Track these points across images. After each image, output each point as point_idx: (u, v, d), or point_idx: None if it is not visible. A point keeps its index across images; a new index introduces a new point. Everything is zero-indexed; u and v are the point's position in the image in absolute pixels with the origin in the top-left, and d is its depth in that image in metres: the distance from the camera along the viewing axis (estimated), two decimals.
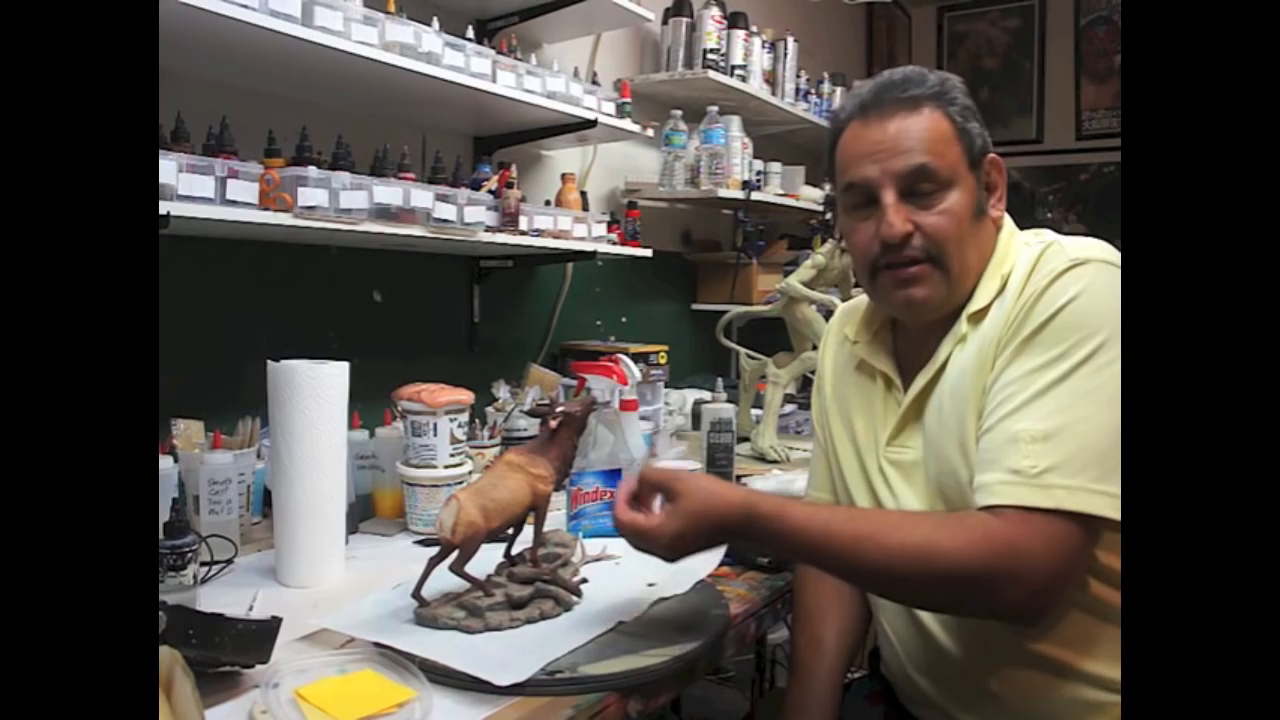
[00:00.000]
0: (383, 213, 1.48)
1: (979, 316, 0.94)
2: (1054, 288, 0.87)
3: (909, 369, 1.01)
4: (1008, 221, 1.01)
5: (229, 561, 1.19)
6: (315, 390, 1.14)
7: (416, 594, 1.00)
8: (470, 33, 1.72)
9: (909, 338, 1.03)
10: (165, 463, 1.23)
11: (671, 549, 0.89)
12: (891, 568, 0.83)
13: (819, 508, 0.94)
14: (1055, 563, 0.80)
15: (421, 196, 1.54)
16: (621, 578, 1.14)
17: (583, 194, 2.16)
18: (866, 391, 1.07)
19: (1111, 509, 0.80)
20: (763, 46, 2.79)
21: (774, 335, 2.14)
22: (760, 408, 2.07)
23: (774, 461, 1.92)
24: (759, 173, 2.73)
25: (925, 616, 0.97)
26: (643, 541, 0.90)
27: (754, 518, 0.86)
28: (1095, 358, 0.83)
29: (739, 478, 1.68)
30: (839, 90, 3.23)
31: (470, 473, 1.40)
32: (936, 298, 0.96)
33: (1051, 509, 0.80)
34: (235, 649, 0.84)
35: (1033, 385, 0.85)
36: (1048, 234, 0.96)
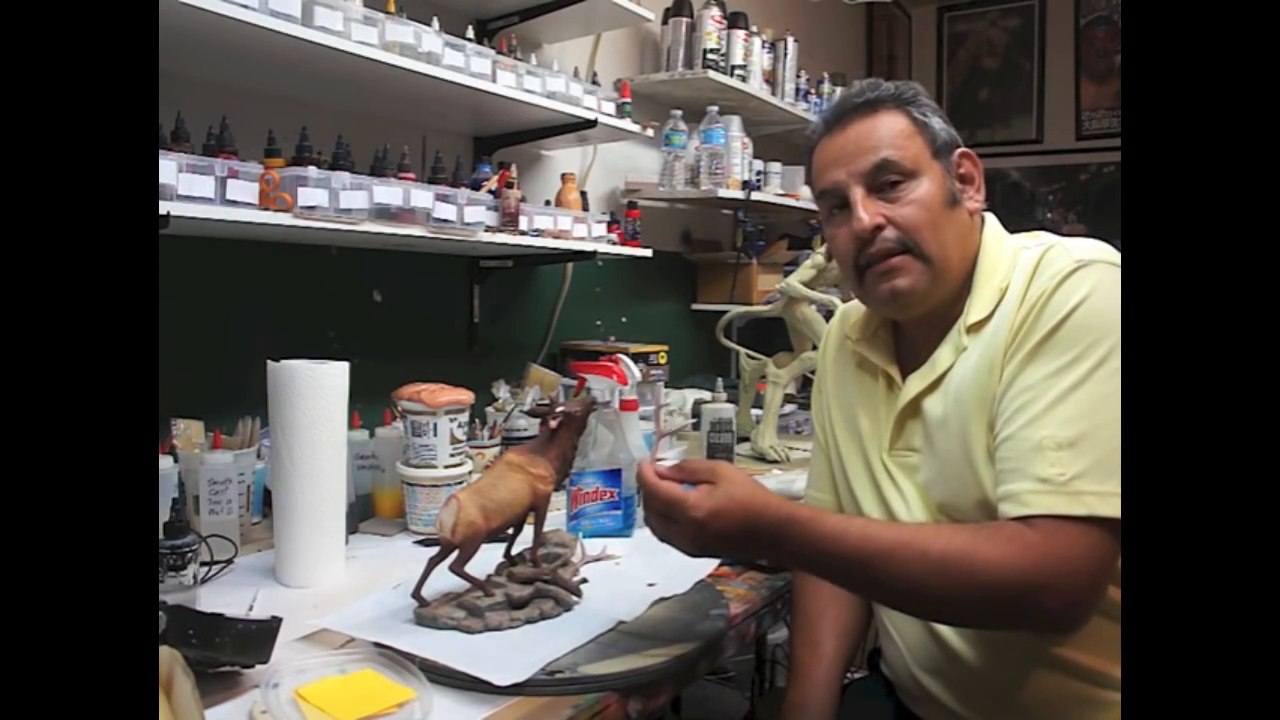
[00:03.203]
0: (383, 213, 1.48)
1: (978, 327, 0.94)
2: (1062, 290, 0.86)
3: (910, 369, 1.01)
4: (994, 226, 1.00)
5: (229, 561, 1.19)
6: (315, 390, 1.14)
7: (416, 594, 1.00)
8: (470, 33, 1.72)
9: (908, 338, 1.03)
10: (165, 463, 1.23)
11: (702, 529, 0.85)
12: (931, 577, 0.81)
13: (853, 518, 0.92)
14: (1092, 571, 0.80)
15: (421, 196, 1.54)
16: (621, 578, 1.14)
17: (583, 194, 2.17)
18: (869, 391, 1.07)
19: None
20: (763, 46, 2.79)
21: (774, 335, 2.14)
22: (760, 408, 2.07)
23: (774, 461, 1.92)
24: (759, 173, 2.73)
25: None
26: (674, 512, 0.86)
27: (791, 520, 0.84)
28: (1110, 360, 0.82)
29: None
30: (839, 90, 3.23)
31: (470, 473, 1.40)
32: (921, 287, 0.96)
33: (1084, 516, 0.80)
34: (235, 649, 0.84)
35: (1051, 391, 0.84)
36: (1045, 236, 0.95)
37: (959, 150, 0.99)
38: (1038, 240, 0.95)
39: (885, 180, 0.96)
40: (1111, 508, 0.79)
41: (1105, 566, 0.80)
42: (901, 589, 0.85)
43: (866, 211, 0.95)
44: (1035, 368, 0.86)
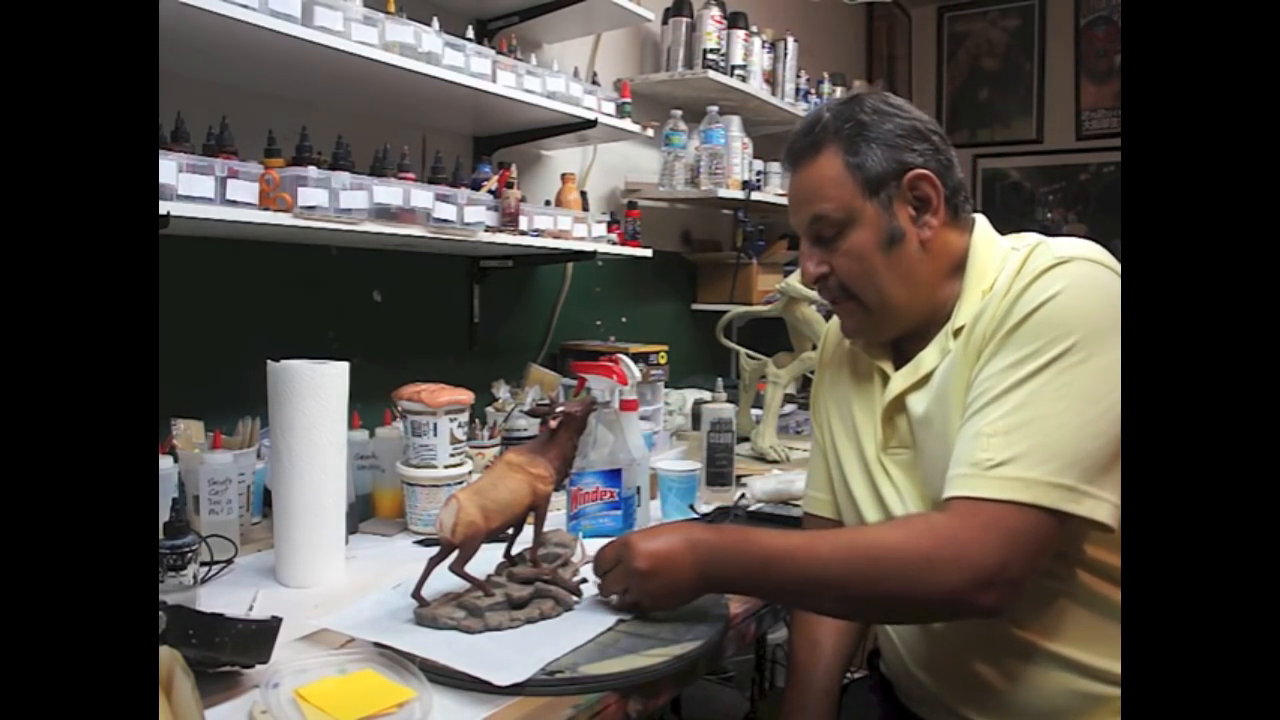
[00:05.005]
0: (383, 213, 1.48)
1: (963, 332, 0.94)
2: (1034, 286, 0.87)
3: (902, 366, 1.02)
4: (984, 229, 1.00)
5: (229, 561, 1.19)
6: (315, 390, 1.13)
7: (416, 594, 1.00)
8: (470, 33, 1.72)
9: (901, 337, 1.04)
10: (165, 463, 1.23)
11: (641, 551, 0.93)
12: (834, 565, 0.86)
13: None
14: (1000, 550, 0.80)
15: (421, 196, 1.54)
16: None
17: (583, 194, 2.16)
18: (865, 389, 1.07)
19: (1068, 502, 0.80)
20: (763, 46, 2.79)
21: (774, 335, 2.14)
22: (760, 408, 2.07)
23: (774, 461, 1.92)
24: (759, 173, 2.73)
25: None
26: (621, 551, 0.95)
27: (721, 531, 0.95)
28: (1069, 355, 0.83)
29: (739, 478, 1.69)
30: (839, 90, 3.23)
31: (470, 473, 1.40)
32: (865, 328, 1.03)
33: (1002, 499, 0.81)
34: (235, 649, 0.84)
35: (1003, 382, 0.85)
36: (1034, 236, 0.96)
37: (911, 174, 0.96)
38: (1027, 241, 0.95)
39: (821, 232, 0.99)
40: (1033, 494, 0.80)
41: (1017, 548, 0.81)
42: (808, 584, 0.88)
43: (810, 261, 1.01)
44: (996, 360, 0.87)
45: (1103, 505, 0.81)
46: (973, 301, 0.94)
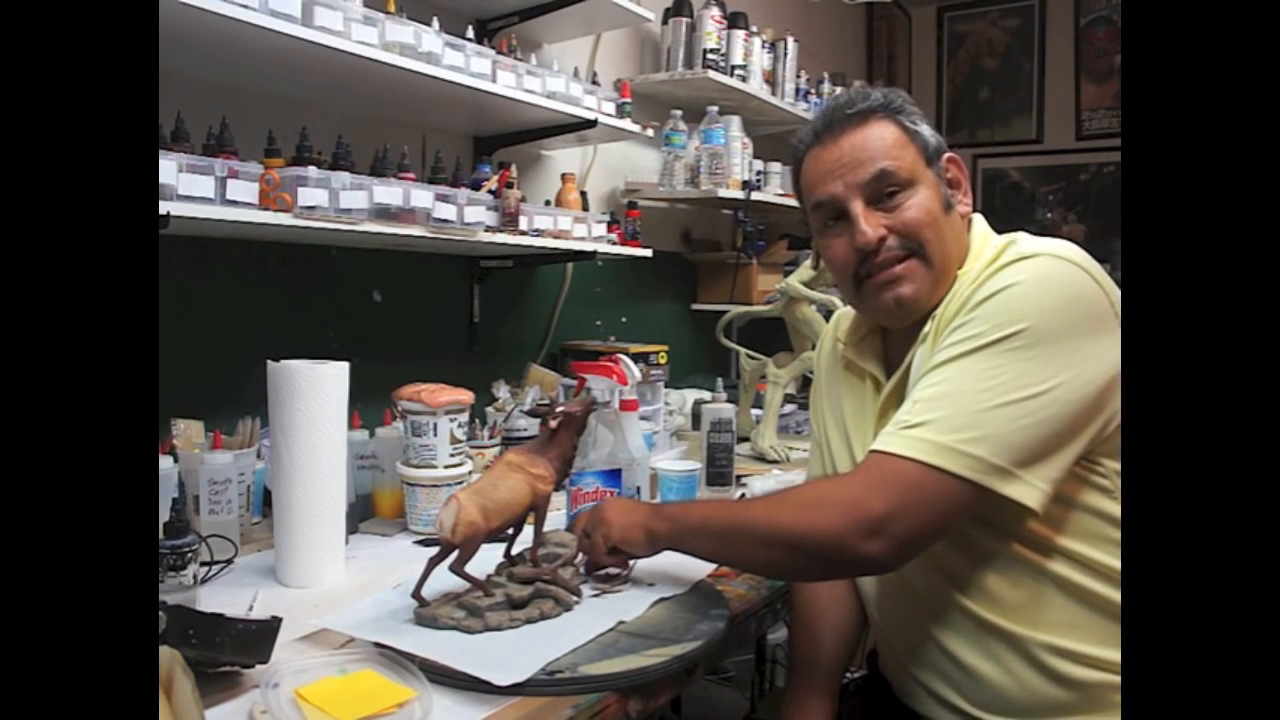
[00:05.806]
0: (383, 213, 1.48)
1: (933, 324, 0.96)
2: (998, 276, 0.88)
3: (894, 371, 1.03)
4: (981, 228, 1.02)
5: (229, 561, 1.19)
6: (315, 390, 1.14)
7: (416, 594, 1.00)
8: (470, 33, 1.72)
9: (894, 341, 1.05)
10: (165, 463, 1.23)
11: (604, 509, 1.08)
12: (758, 508, 0.95)
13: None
14: (889, 502, 0.83)
15: (421, 196, 1.54)
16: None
17: (583, 194, 2.16)
18: (858, 394, 1.08)
19: (979, 473, 0.81)
20: (763, 46, 2.79)
21: (774, 335, 2.14)
22: (760, 408, 2.07)
23: (774, 461, 1.92)
24: (759, 173, 2.73)
25: (911, 600, 0.98)
26: (588, 523, 1.08)
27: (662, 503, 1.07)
28: (1011, 340, 0.84)
29: (739, 478, 1.69)
30: (839, 90, 3.24)
31: (470, 473, 1.40)
32: (924, 291, 0.97)
33: (906, 456, 0.84)
34: (235, 649, 0.84)
35: (943, 356, 0.88)
36: (1018, 234, 0.97)
37: (945, 155, 1.01)
38: (1010, 239, 0.96)
39: (883, 191, 0.96)
40: (937, 457, 0.82)
41: (911, 503, 0.83)
42: (734, 529, 0.96)
43: (869, 224, 0.96)
44: (945, 339, 0.89)
45: (1022, 487, 0.82)
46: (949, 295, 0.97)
